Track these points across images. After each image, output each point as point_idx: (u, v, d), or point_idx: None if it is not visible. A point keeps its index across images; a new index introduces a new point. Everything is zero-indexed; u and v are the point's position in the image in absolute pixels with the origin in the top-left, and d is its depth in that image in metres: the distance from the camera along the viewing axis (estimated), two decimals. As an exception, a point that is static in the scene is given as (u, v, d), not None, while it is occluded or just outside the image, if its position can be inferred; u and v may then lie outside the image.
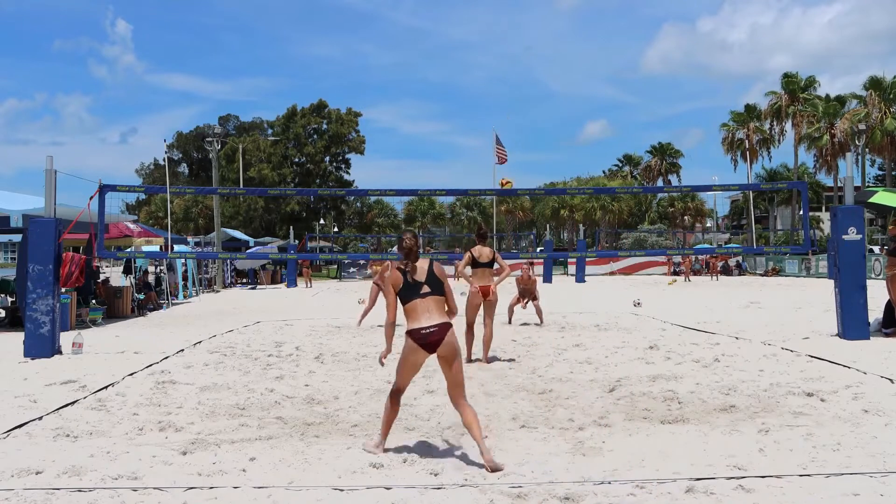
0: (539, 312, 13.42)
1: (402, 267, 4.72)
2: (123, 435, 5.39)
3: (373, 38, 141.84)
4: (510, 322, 13.41)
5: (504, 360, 8.91)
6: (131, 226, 19.61)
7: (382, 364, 4.81)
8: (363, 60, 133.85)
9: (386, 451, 4.83)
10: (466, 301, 8.92)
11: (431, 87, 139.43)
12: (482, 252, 8.96)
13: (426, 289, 4.68)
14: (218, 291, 26.67)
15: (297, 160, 55.78)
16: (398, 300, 4.72)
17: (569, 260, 38.74)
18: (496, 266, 9.10)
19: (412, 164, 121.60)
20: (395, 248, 9.33)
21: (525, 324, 13.28)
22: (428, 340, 4.58)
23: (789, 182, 45.88)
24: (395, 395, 4.83)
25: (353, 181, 57.36)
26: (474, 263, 8.96)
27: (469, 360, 8.57)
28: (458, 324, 6.06)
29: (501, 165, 41.36)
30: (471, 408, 4.68)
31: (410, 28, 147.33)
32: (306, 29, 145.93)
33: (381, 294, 13.77)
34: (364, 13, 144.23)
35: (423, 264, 4.75)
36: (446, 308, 4.75)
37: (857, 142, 40.95)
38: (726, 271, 38.87)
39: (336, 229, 59.80)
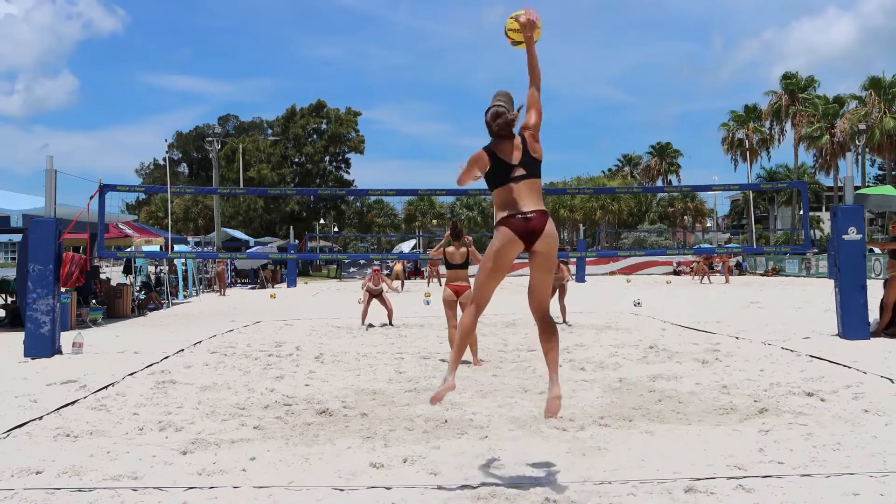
0: (563, 311, 13.18)
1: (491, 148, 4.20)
2: (123, 435, 5.39)
3: (374, 39, 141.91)
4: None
5: (503, 361, 8.91)
6: (122, 226, 19.49)
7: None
8: (364, 61, 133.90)
9: (386, 449, 4.83)
10: (442, 301, 8.96)
11: (433, 87, 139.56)
12: (454, 254, 8.80)
13: (521, 171, 4.17)
14: (223, 295, 26.59)
15: (296, 160, 55.80)
16: (489, 184, 4.20)
17: (569, 260, 38.69)
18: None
19: (413, 164, 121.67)
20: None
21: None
22: (528, 227, 4.03)
23: (789, 182, 45.87)
24: (477, 311, 4.34)
25: (353, 181, 57.40)
26: (447, 265, 8.91)
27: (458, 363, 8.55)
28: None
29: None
30: (553, 326, 4.37)
31: (411, 29, 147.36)
32: (307, 30, 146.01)
33: (374, 299, 13.74)
34: (365, 14, 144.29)
35: (516, 141, 4.21)
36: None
37: (857, 142, 40.96)
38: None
39: (336, 229, 59.83)
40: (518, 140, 4.22)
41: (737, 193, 63.90)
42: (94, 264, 16.68)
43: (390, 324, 13.59)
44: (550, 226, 4.11)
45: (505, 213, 4.07)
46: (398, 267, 29.55)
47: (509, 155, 4.15)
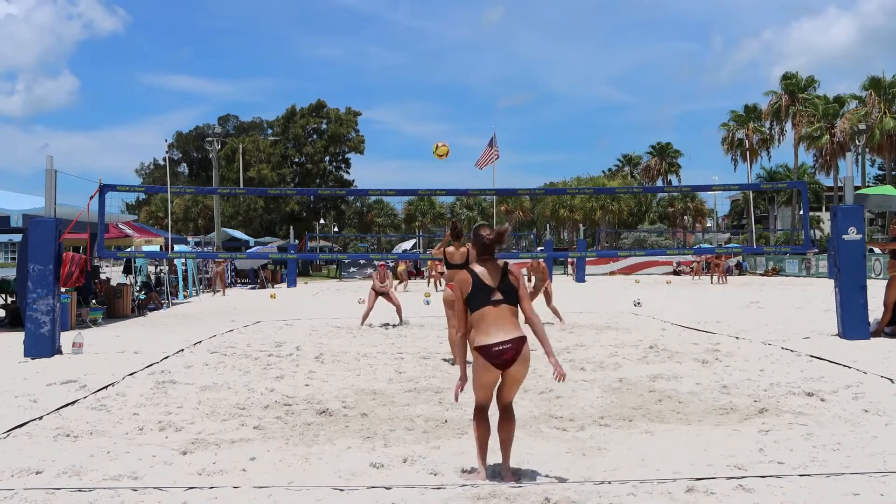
0: (556, 313, 13.01)
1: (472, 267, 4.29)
2: (123, 435, 5.39)
3: (374, 39, 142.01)
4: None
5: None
6: (122, 226, 19.49)
7: (457, 400, 4.55)
8: (364, 61, 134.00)
9: (386, 449, 4.83)
10: (442, 301, 9.00)
11: (433, 87, 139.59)
12: (454, 254, 8.78)
13: (498, 295, 4.21)
14: (223, 294, 26.60)
15: (296, 160, 55.75)
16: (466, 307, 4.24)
17: (569, 260, 38.73)
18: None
19: (413, 164, 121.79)
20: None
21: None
22: (503, 358, 4.13)
23: (789, 182, 45.83)
24: (479, 411, 4.37)
25: (353, 181, 57.32)
26: (447, 265, 8.92)
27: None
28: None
29: (481, 169, 40.17)
30: (512, 416, 4.40)
31: (411, 29, 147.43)
32: (307, 30, 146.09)
33: (379, 297, 13.76)
34: (365, 14, 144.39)
35: (498, 266, 4.31)
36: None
37: (857, 142, 40.95)
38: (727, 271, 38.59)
39: (336, 229, 59.82)
40: (500, 266, 4.29)
41: (737, 193, 63.89)
42: (94, 264, 16.68)
43: (399, 320, 13.54)
44: (525, 351, 4.16)
45: (482, 342, 4.13)
46: (402, 268, 29.66)
47: (487, 276, 4.22)
